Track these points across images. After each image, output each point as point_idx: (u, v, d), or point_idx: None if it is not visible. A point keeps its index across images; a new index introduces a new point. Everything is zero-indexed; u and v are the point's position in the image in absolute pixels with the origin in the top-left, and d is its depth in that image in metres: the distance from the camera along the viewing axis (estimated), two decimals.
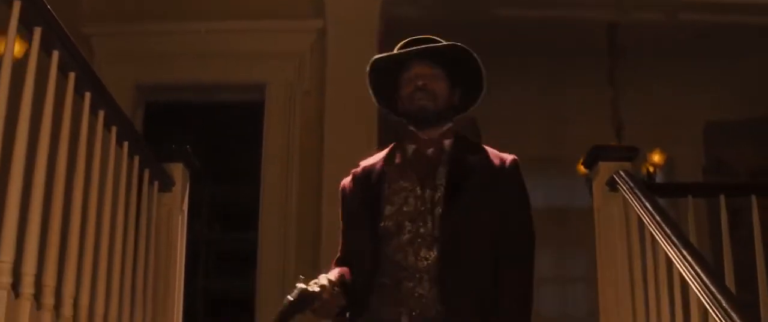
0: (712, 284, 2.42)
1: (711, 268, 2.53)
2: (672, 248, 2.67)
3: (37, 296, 2.05)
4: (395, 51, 2.22)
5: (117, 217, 2.60)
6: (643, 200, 2.89)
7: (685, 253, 2.61)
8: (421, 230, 2.10)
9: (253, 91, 5.28)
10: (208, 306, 5.98)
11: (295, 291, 1.92)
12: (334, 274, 2.07)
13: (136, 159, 2.77)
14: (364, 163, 2.27)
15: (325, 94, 5.19)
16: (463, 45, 2.20)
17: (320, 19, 5.35)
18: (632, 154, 3.24)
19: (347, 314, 2.10)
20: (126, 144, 2.67)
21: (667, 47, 6.44)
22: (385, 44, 5.34)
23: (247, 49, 5.23)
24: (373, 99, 2.27)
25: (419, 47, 2.19)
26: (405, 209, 2.13)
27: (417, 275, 2.07)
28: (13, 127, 1.97)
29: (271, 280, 5.28)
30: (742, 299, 2.51)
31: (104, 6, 5.38)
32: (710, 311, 2.38)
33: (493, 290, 2.06)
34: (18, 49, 2.23)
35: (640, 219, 2.96)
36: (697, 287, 2.49)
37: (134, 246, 2.76)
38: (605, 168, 3.18)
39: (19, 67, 1.98)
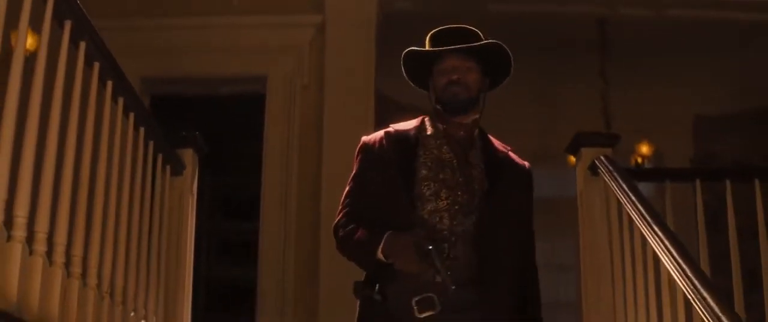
0: (684, 262, 2.64)
1: (684, 247, 2.76)
2: (647, 228, 2.92)
3: (67, 265, 2.30)
4: (429, 42, 2.35)
5: (135, 196, 2.85)
6: (622, 183, 3.14)
7: (658, 232, 2.85)
8: (459, 199, 2.25)
9: (254, 84, 5.51)
10: (210, 294, 6.20)
11: (427, 244, 2.07)
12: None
13: (151, 144, 3.03)
14: (396, 126, 2.38)
15: (323, 87, 5.41)
16: (497, 41, 2.35)
17: (319, 15, 5.57)
18: (613, 141, 3.50)
19: (377, 287, 2.19)
20: (142, 130, 2.93)
21: (657, 42, 6.68)
22: (383, 39, 5.60)
23: (248, 43, 5.46)
24: (408, 79, 2.41)
25: (459, 46, 2.30)
26: (442, 176, 2.27)
27: (452, 239, 2.21)
28: (46, 112, 2.22)
29: (272, 268, 5.52)
30: (721, 283, 2.76)
31: (110, 2, 5.62)
32: (682, 287, 2.62)
33: (519, 274, 2.31)
34: (30, 41, 2.47)
35: (619, 201, 3.21)
36: (671, 265, 2.72)
37: (150, 223, 3.02)
38: (587, 154, 3.45)
39: (32, 59, 2.20)
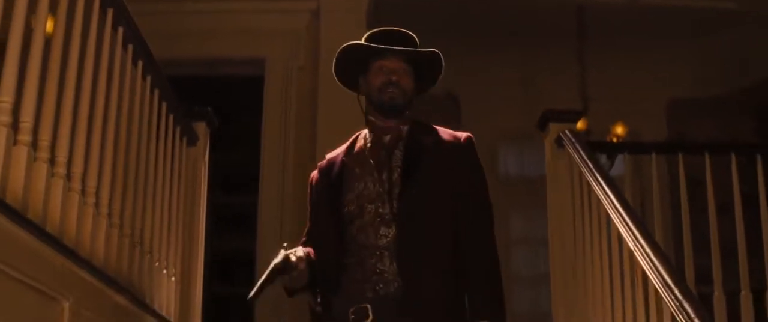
0: (634, 223, 3.14)
1: (634, 211, 3.27)
2: (604, 195, 3.42)
3: (96, 204, 2.80)
4: (367, 41, 2.42)
5: (158, 161, 3.36)
6: (583, 154, 3.65)
7: (613, 198, 3.35)
8: (381, 210, 2.30)
9: (254, 66, 5.94)
10: (212, 264, 6.66)
11: (280, 257, 2.18)
12: (303, 250, 2.28)
13: (171, 117, 3.53)
14: (329, 155, 2.50)
15: (318, 69, 5.84)
16: (437, 51, 2.42)
17: (314, 1, 6.03)
18: (577, 117, 4.02)
19: (318, 296, 2.32)
20: (164, 104, 3.43)
21: (632, 28, 7.15)
22: (374, 24, 6.05)
23: (247, 27, 5.87)
24: (334, 75, 2.50)
25: (404, 49, 2.38)
26: (365, 192, 2.33)
27: (377, 252, 2.28)
28: (95, 88, 2.72)
29: (270, 240, 5.95)
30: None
31: None
32: (632, 248, 3.11)
33: (452, 263, 2.27)
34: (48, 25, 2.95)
35: (581, 171, 3.73)
36: (624, 228, 3.19)
37: (170, 186, 3.52)
38: (554, 128, 3.95)
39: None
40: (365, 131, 2.47)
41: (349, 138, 2.52)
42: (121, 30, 2.91)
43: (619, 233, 3.26)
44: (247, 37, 5.89)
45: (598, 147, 4.06)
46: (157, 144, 3.36)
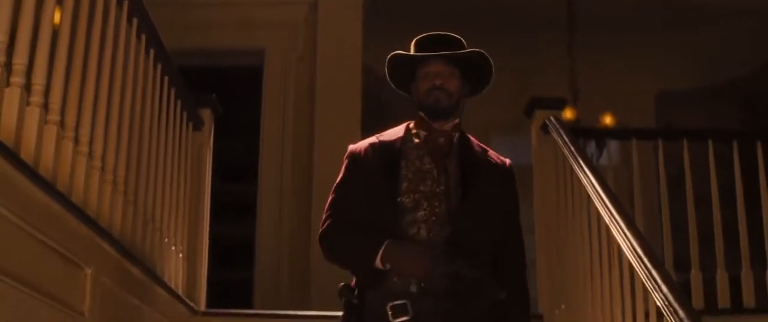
0: (610, 200, 3.41)
1: (610, 188, 3.53)
2: (584, 175, 3.69)
3: (114, 181, 3.07)
4: (414, 47, 2.49)
5: (168, 143, 3.62)
6: (567, 139, 3.91)
7: (592, 179, 3.61)
8: (436, 210, 2.36)
9: (254, 57, 6.18)
10: (213, 251, 6.88)
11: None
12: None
13: (179, 103, 3.79)
14: (382, 136, 2.51)
15: (315, 59, 6.12)
16: (480, 50, 2.50)
17: None
18: (561, 104, 4.28)
19: (355, 287, 2.36)
20: (173, 90, 3.69)
21: (622, 21, 7.42)
22: (370, 16, 6.30)
23: (248, 18, 6.09)
24: (390, 83, 2.54)
25: (445, 53, 2.45)
26: (421, 188, 2.38)
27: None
28: (113, 74, 2.98)
29: (269, 226, 6.20)
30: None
31: None
32: (607, 219, 3.37)
33: (494, 271, 2.37)
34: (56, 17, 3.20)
35: (565, 156, 3.99)
36: (602, 207, 3.45)
37: (178, 168, 3.79)
38: (540, 115, 4.22)
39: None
40: (415, 124, 2.51)
41: (395, 126, 2.56)
42: (135, 21, 3.16)
43: (598, 212, 3.52)
44: (247, 29, 6.12)
45: (581, 133, 4.33)
46: (167, 128, 3.62)
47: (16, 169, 2.13)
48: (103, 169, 2.84)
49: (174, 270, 3.67)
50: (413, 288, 2.30)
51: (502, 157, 2.59)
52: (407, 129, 2.51)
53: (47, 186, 2.31)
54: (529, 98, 4.35)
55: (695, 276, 4.23)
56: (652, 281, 2.77)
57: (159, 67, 3.48)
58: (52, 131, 2.43)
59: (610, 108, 7.41)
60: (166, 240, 3.59)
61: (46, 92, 2.41)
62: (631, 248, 3.05)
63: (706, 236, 4.38)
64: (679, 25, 7.62)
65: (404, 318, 2.28)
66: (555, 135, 4.02)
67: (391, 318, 2.28)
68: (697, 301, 4.19)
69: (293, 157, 6.19)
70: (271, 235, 6.22)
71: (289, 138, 6.20)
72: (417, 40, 2.53)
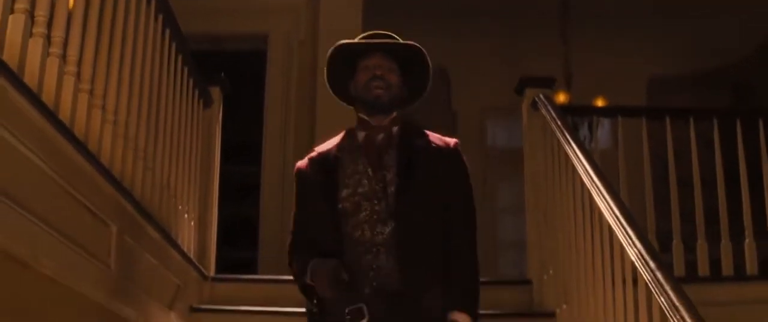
0: (592, 168, 3.71)
1: (593, 158, 3.83)
2: (570, 148, 3.98)
3: (145, 159, 3.36)
4: (357, 40, 2.56)
5: (182, 119, 3.92)
6: (554, 115, 4.21)
7: (577, 151, 3.91)
8: (377, 208, 2.40)
9: (258, 41, 6.46)
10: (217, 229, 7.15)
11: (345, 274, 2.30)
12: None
13: (192, 81, 4.09)
14: (319, 148, 2.58)
15: (317, 43, 6.37)
16: (418, 45, 2.56)
17: None
18: (550, 83, 4.57)
19: (314, 296, 2.40)
20: (186, 69, 3.98)
21: (614, 7, 7.69)
22: (369, 1, 6.56)
23: (252, 5, 6.36)
24: (327, 84, 2.60)
25: (382, 41, 2.53)
26: (359, 190, 2.42)
27: (374, 249, 2.38)
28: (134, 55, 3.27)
29: (273, 205, 6.46)
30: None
31: None
32: (589, 185, 3.68)
33: (442, 259, 2.40)
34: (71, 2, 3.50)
35: (553, 131, 4.29)
36: (584, 173, 3.77)
37: (190, 142, 4.08)
38: (530, 93, 4.52)
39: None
40: (355, 128, 2.56)
41: (339, 130, 2.63)
42: (153, 1, 3.46)
43: (583, 181, 3.82)
44: (252, 14, 6.38)
45: (568, 110, 4.63)
46: (180, 104, 3.92)
47: (57, 131, 2.43)
48: (125, 136, 3.14)
49: (187, 236, 3.98)
50: (366, 290, 2.35)
51: (446, 139, 2.59)
52: (345, 135, 2.57)
53: (81, 146, 2.61)
54: (520, 77, 4.64)
55: (677, 246, 4.53)
56: (628, 238, 3.08)
57: (174, 46, 3.77)
58: (84, 99, 2.73)
59: (603, 93, 7.69)
60: (180, 207, 3.89)
61: (79, 63, 2.70)
62: (609, 209, 3.36)
63: (690, 212, 4.69)
64: (671, 11, 7.88)
65: (362, 321, 2.32)
66: (544, 111, 4.32)
67: None
68: (679, 270, 4.49)
69: (295, 138, 6.45)
70: (274, 215, 6.46)
71: (291, 119, 6.45)
72: (358, 38, 2.60)
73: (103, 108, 2.91)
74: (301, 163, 2.61)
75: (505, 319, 3.99)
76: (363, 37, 2.59)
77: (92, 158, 2.72)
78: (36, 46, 2.38)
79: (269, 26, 6.44)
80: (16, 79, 2.16)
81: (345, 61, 2.57)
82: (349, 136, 2.55)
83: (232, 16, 6.31)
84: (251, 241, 6.65)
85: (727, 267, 4.57)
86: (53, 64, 2.49)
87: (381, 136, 2.50)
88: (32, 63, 2.35)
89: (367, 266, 2.37)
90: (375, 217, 2.40)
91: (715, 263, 4.64)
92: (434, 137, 2.57)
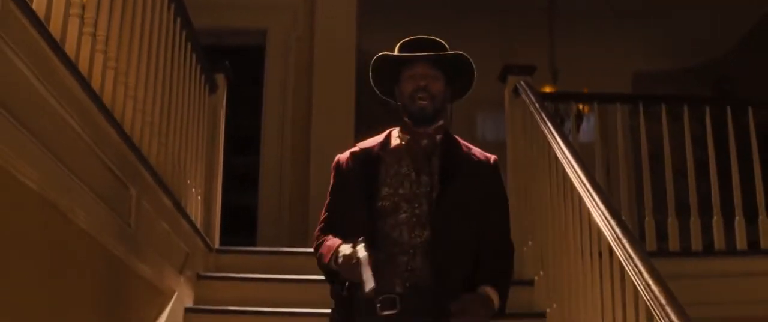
0: (566, 146, 4.13)
1: (567, 138, 4.26)
2: (546, 128, 4.40)
3: (160, 133, 3.79)
4: (399, 50, 2.60)
5: (191, 100, 4.36)
6: (533, 99, 4.64)
7: (553, 131, 4.34)
8: (417, 211, 2.48)
9: (256, 36, 6.88)
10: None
11: (363, 253, 2.30)
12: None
13: (199, 67, 4.52)
14: (362, 144, 2.64)
15: (313, 39, 6.82)
16: (464, 54, 2.63)
17: None
18: (530, 71, 5.00)
19: (346, 284, 2.46)
20: (194, 55, 4.42)
21: (601, 4, 8.13)
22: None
23: (251, 1, 6.77)
24: (374, 88, 2.66)
25: (429, 54, 2.56)
26: (401, 191, 2.50)
27: (410, 251, 2.46)
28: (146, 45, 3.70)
29: (271, 194, 6.86)
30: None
31: None
32: (563, 161, 4.10)
33: (475, 268, 2.48)
34: None
35: (532, 114, 4.72)
36: (560, 152, 4.18)
37: (197, 123, 4.52)
38: (512, 80, 4.97)
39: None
40: (398, 130, 2.63)
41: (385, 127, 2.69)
42: None
43: (557, 158, 4.25)
44: (251, 10, 6.81)
45: (547, 96, 5.06)
46: (189, 88, 4.36)
47: (89, 98, 2.85)
48: (143, 111, 3.57)
49: (194, 209, 4.41)
50: (399, 288, 2.44)
51: (487, 154, 2.68)
52: (388, 135, 2.64)
53: (108, 114, 3.04)
54: (503, 65, 5.07)
55: (649, 223, 4.97)
56: (592, 200, 3.51)
57: (184, 34, 4.20)
58: (110, 75, 3.16)
59: (588, 87, 8.12)
60: (188, 182, 4.32)
61: (106, 41, 3.12)
62: (578, 179, 3.78)
63: (662, 189, 5.13)
64: (655, 8, 8.33)
65: (392, 311, 2.40)
66: (524, 96, 4.76)
67: (379, 311, 2.41)
68: (651, 244, 4.92)
69: (293, 130, 6.86)
70: (272, 204, 6.85)
71: (289, 112, 6.85)
72: (402, 43, 2.63)
73: (126, 84, 3.34)
74: (342, 156, 2.66)
75: None
76: (407, 44, 2.62)
77: (117, 126, 3.15)
78: (73, 25, 2.80)
79: (268, 22, 6.86)
80: (59, 50, 2.58)
81: (390, 69, 2.62)
82: (393, 137, 2.62)
83: (232, 11, 6.71)
84: (250, 230, 7.06)
85: (696, 243, 5.01)
86: (86, 41, 2.92)
87: (425, 141, 2.57)
88: (70, 40, 2.77)
89: (402, 266, 2.45)
90: (414, 220, 2.48)
91: (687, 240, 5.08)
92: (476, 151, 2.67)
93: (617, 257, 3.26)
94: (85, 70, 2.88)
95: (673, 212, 5.04)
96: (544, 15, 7.90)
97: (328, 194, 2.66)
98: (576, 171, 3.82)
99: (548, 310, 4.17)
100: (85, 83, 2.81)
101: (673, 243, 5.02)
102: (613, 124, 5.28)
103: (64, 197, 2.74)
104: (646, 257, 3.09)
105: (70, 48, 2.75)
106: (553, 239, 4.22)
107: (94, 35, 2.98)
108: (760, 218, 5.08)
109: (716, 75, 8.75)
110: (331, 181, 2.65)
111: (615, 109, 5.25)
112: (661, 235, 5.02)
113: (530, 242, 4.63)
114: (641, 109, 5.15)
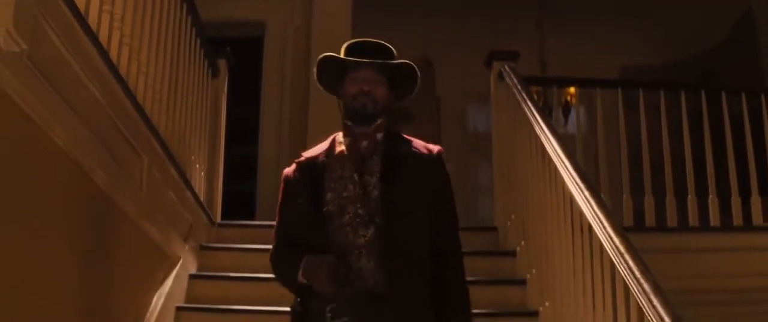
0: (545, 125, 4.50)
1: (547, 118, 4.63)
2: (528, 110, 4.78)
3: (168, 110, 4.16)
4: (345, 52, 2.66)
5: (196, 83, 4.74)
6: (517, 83, 5.02)
7: (535, 112, 4.71)
8: (360, 211, 2.52)
9: (256, 28, 7.25)
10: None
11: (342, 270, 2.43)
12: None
13: (203, 52, 4.90)
14: (307, 154, 2.71)
15: (310, 30, 7.18)
16: (409, 62, 2.65)
17: None
18: (515, 57, 5.38)
19: (298, 299, 2.55)
20: (198, 41, 4.80)
21: (588, 2, 8.54)
22: None
23: None
24: (318, 83, 2.73)
25: (370, 61, 2.60)
26: (344, 194, 2.55)
27: (356, 251, 2.50)
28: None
29: (269, 185, 7.18)
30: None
31: None
32: (543, 138, 4.47)
33: (424, 263, 2.55)
34: None
35: (515, 96, 5.10)
36: (539, 129, 4.56)
37: (201, 104, 4.90)
38: (497, 65, 5.35)
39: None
40: (341, 135, 2.70)
41: (329, 135, 2.76)
42: None
43: (538, 137, 4.63)
44: (250, 2, 7.16)
45: (529, 80, 5.43)
46: (194, 71, 4.74)
47: (108, 70, 3.23)
48: (153, 87, 3.95)
49: (199, 183, 4.79)
50: (348, 290, 2.47)
51: (430, 146, 2.72)
52: (332, 141, 2.70)
53: (124, 85, 3.42)
54: (489, 52, 5.46)
55: (626, 201, 5.35)
56: (566, 169, 3.88)
57: (189, 19, 4.58)
58: (126, 52, 3.54)
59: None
60: (193, 157, 4.70)
61: (122, 19, 3.50)
62: (557, 156, 4.15)
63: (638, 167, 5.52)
64: (643, 3, 8.72)
65: (343, 320, 2.45)
66: (508, 80, 5.14)
67: (329, 321, 2.45)
68: (628, 220, 5.30)
69: (290, 120, 7.20)
70: (271, 191, 7.18)
71: (286, 102, 7.21)
72: (348, 45, 2.70)
73: (138, 61, 3.72)
74: (288, 169, 2.75)
75: (476, 256, 4.74)
76: (355, 48, 2.68)
77: (132, 97, 3.53)
78: (95, 1, 3.18)
79: (267, 14, 7.23)
80: (83, 21, 2.95)
81: (335, 68, 2.69)
82: (337, 142, 2.69)
83: (231, 3, 7.06)
84: (249, 218, 7.38)
85: (671, 219, 5.39)
86: (105, 18, 3.30)
87: (365, 142, 2.63)
88: (92, 14, 3.15)
89: (350, 267, 2.49)
90: (358, 220, 2.53)
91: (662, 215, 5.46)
92: (418, 144, 2.71)
93: (595, 231, 3.47)
94: (104, 43, 3.25)
95: (649, 190, 5.42)
96: (534, 9, 8.27)
97: (277, 212, 2.73)
98: (556, 149, 4.18)
99: (528, 276, 4.54)
100: (105, 55, 3.19)
101: (650, 220, 5.39)
102: (600, 112, 5.63)
103: (86, 156, 3.11)
104: (621, 229, 3.32)
105: (92, 21, 3.13)
106: (533, 213, 4.59)
107: (111, 13, 3.36)
108: (732, 198, 5.46)
109: (702, 69, 9.12)
110: (280, 196, 2.73)
111: (595, 95, 5.62)
112: (641, 214, 5.40)
113: (513, 216, 5.01)
114: (620, 92, 5.53)
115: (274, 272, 2.71)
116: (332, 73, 2.70)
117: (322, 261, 2.46)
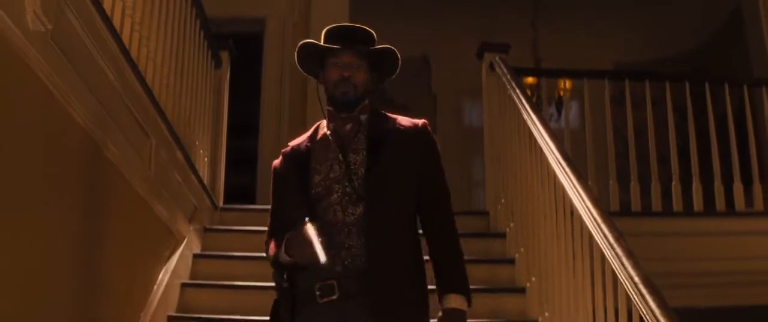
0: (532, 111, 4.78)
1: (533, 103, 4.91)
2: (517, 98, 5.06)
3: (174, 95, 4.45)
4: (325, 37, 2.67)
5: (200, 72, 5.03)
6: (507, 73, 5.31)
7: (523, 99, 4.99)
8: (348, 189, 2.55)
9: (256, 24, 7.53)
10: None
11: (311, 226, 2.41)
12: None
13: (206, 43, 5.20)
14: (293, 143, 2.77)
15: (309, 25, 7.46)
16: (390, 47, 2.66)
17: None
18: (505, 49, 5.67)
19: (285, 276, 2.54)
20: (202, 33, 5.09)
21: None
22: None
23: None
24: (299, 66, 2.75)
25: (356, 47, 2.61)
26: (331, 174, 2.59)
27: (345, 229, 2.53)
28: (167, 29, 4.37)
29: (269, 174, 7.38)
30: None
31: None
32: (531, 127, 4.75)
33: (413, 237, 2.59)
34: None
35: (504, 86, 5.38)
36: (527, 117, 4.85)
37: (205, 94, 5.20)
38: (488, 57, 5.64)
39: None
40: (325, 121, 2.74)
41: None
42: None
43: (526, 123, 4.92)
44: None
45: (519, 71, 5.71)
46: (199, 61, 5.03)
47: (121, 53, 3.52)
48: (161, 73, 4.24)
49: (202, 168, 5.07)
50: (338, 268, 2.50)
51: (415, 120, 2.73)
52: (316, 128, 2.75)
53: (135, 68, 3.71)
54: (480, 43, 5.75)
55: (613, 186, 5.63)
56: (551, 152, 4.16)
57: (194, 10, 4.88)
58: (136, 38, 3.83)
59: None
60: (197, 142, 4.98)
61: (133, 7, 3.79)
62: (545, 142, 4.43)
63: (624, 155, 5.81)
64: (635, 4, 9.01)
65: (332, 297, 2.48)
66: (498, 71, 5.43)
67: (318, 299, 2.49)
68: (614, 205, 5.59)
69: (290, 114, 7.46)
70: (270, 181, 7.44)
71: (286, 97, 7.45)
72: (328, 30, 2.70)
73: (148, 47, 4.01)
74: (276, 161, 2.81)
75: (469, 238, 5.01)
76: (335, 32, 2.68)
77: (142, 80, 3.81)
78: None
79: (266, 10, 7.51)
80: (101, 9, 3.24)
81: (318, 53, 2.71)
82: (321, 128, 2.73)
83: (232, 0, 7.35)
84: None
85: (656, 204, 5.68)
86: (118, 6, 3.59)
87: (349, 125, 2.66)
88: (107, 1, 3.44)
89: (339, 245, 2.51)
90: (346, 198, 2.56)
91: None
92: (402, 120, 2.72)
93: (576, 209, 3.74)
94: (117, 30, 3.54)
95: (635, 176, 5.70)
96: (528, 6, 8.55)
97: (271, 201, 2.78)
98: (543, 136, 4.45)
99: (517, 256, 4.82)
100: (119, 40, 3.47)
101: (635, 204, 5.67)
102: (593, 105, 5.91)
103: (101, 133, 3.39)
104: (597, 202, 3.59)
105: (107, 7, 3.41)
106: (522, 196, 4.87)
107: (124, 0, 3.65)
108: (715, 185, 5.75)
109: (693, 66, 9.40)
110: (271, 188, 2.79)
111: (584, 85, 5.90)
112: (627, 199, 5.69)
113: (503, 200, 5.29)
114: (606, 83, 5.82)
115: (268, 259, 2.72)
116: (315, 59, 2.73)
117: (298, 233, 2.46)
